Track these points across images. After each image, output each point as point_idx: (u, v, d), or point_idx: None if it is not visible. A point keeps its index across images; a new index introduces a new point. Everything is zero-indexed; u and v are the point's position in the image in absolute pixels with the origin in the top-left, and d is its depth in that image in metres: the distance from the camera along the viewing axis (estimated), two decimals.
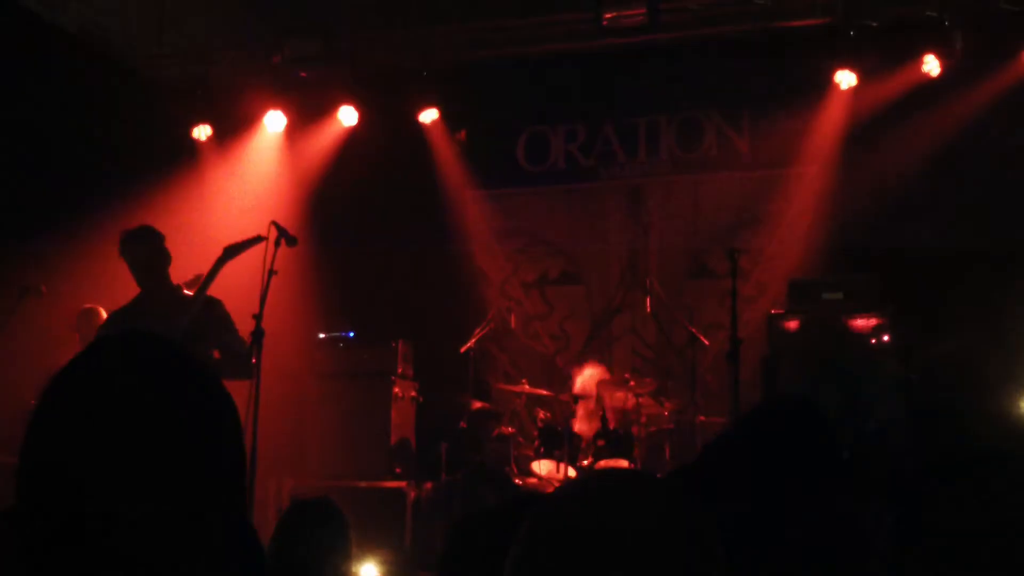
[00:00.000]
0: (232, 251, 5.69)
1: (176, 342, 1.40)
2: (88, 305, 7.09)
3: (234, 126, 9.21)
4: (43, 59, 7.90)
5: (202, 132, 9.11)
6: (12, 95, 7.48)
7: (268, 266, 5.64)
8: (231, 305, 5.75)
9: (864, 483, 1.72)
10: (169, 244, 5.77)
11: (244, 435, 1.41)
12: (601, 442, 7.44)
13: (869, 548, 1.76)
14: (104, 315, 6.89)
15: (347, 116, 8.99)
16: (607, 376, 8.06)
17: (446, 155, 9.34)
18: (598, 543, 1.18)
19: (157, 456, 1.26)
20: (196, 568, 1.27)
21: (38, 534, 1.24)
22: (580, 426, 7.98)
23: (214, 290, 5.69)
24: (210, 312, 5.66)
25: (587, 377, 8.07)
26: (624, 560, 1.16)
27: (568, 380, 8.30)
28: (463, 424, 7.95)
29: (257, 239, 5.70)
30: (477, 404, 8.11)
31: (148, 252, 5.67)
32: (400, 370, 8.28)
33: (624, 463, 7.32)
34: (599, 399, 7.95)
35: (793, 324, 7.14)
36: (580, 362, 8.39)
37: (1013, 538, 1.72)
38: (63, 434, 1.27)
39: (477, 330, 8.18)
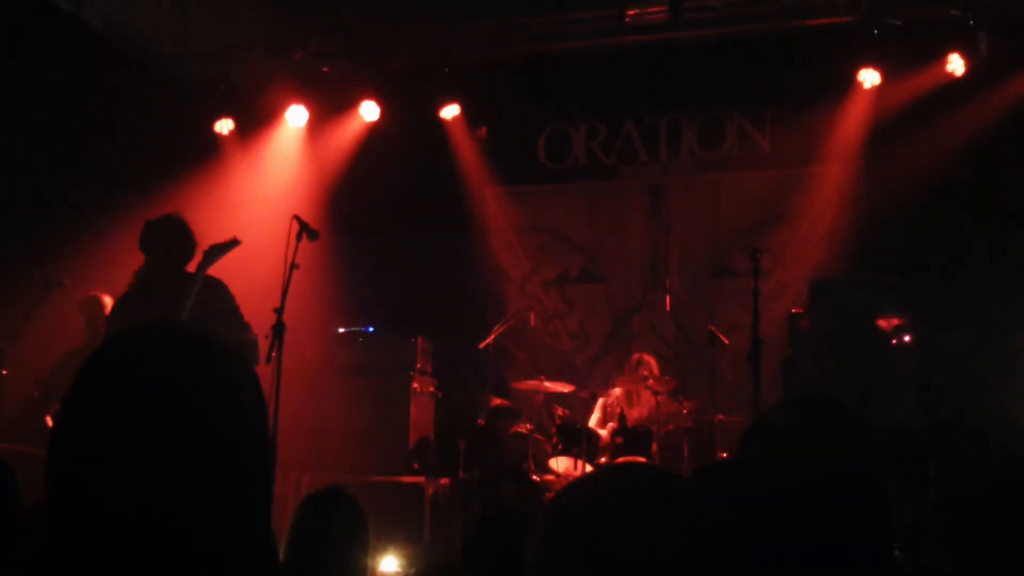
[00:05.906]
0: (215, 252, 5.45)
1: (214, 337, 1.38)
2: (92, 293, 7.06)
3: (256, 120, 9.23)
4: (69, 56, 7.96)
5: (224, 126, 9.14)
6: (38, 91, 7.54)
7: (289, 260, 5.63)
8: (252, 300, 5.63)
9: (886, 480, 1.71)
10: None
11: (270, 434, 1.38)
12: (619, 440, 7.43)
13: (892, 542, 1.75)
14: (108, 302, 6.85)
15: (369, 111, 9.00)
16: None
17: (467, 151, 9.34)
18: (614, 538, 1.18)
19: (180, 456, 1.26)
20: (214, 570, 1.26)
21: (66, 532, 1.25)
22: (597, 422, 7.99)
23: (227, 279, 5.59)
24: (207, 296, 5.34)
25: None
26: (637, 557, 1.16)
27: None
28: (481, 421, 7.97)
29: (234, 242, 5.51)
30: (496, 401, 8.12)
31: (182, 248, 5.44)
32: (419, 366, 8.27)
33: (642, 461, 7.30)
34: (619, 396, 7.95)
35: (814, 324, 7.10)
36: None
37: None
38: (89, 434, 1.27)
39: (496, 327, 8.19)
